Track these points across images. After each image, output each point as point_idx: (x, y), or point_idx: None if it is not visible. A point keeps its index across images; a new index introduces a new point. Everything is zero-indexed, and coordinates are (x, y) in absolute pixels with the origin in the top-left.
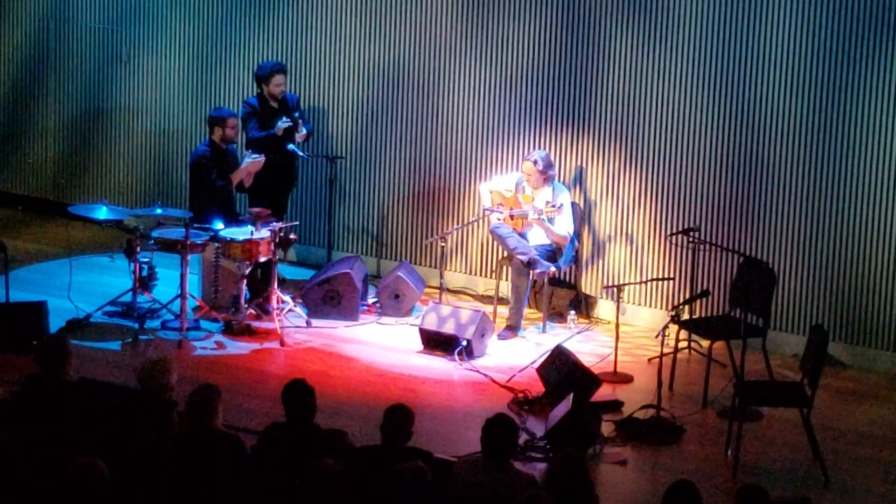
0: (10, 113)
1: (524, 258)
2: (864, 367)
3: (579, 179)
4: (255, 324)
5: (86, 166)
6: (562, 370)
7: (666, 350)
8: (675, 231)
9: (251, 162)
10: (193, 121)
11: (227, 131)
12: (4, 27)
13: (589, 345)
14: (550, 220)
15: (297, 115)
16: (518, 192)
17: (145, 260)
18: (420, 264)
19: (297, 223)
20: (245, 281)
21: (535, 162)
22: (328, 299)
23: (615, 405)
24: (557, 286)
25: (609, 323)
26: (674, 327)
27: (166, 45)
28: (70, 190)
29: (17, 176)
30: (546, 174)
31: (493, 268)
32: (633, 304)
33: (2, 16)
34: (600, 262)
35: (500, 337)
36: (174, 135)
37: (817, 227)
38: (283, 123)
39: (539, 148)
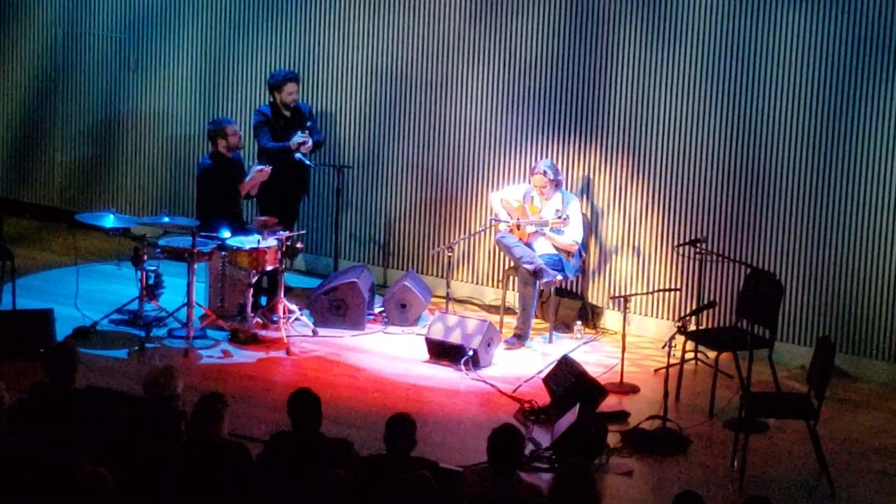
0: (20, 123)
1: (531, 267)
2: (871, 379)
3: (586, 190)
4: (262, 332)
5: (94, 174)
6: (568, 380)
7: (672, 361)
8: (682, 242)
9: (258, 172)
10: (203, 129)
11: (230, 139)
12: (13, 37)
13: (595, 355)
14: (558, 231)
15: (309, 124)
16: (526, 203)
17: (152, 268)
18: (426, 274)
19: (304, 232)
20: (251, 290)
21: (545, 172)
22: (334, 308)
23: (621, 416)
24: (564, 296)
25: (616, 333)
26: (680, 338)
27: (175, 53)
28: (78, 198)
29: (24, 185)
30: (556, 181)
31: (500, 277)
32: (640, 314)
33: (11, 25)
34: (607, 272)
35: (507, 343)
36: (184, 143)
37: (824, 239)
38: (299, 138)
39: (545, 158)
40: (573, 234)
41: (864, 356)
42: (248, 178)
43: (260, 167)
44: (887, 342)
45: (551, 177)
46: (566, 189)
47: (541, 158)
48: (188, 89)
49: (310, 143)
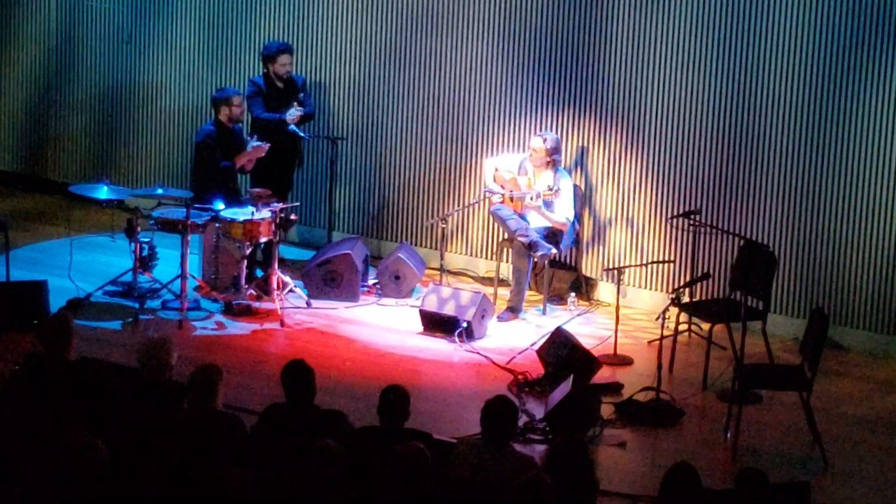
0: (15, 96)
1: (525, 240)
2: (864, 351)
3: (581, 161)
4: (255, 304)
5: (89, 146)
6: (562, 352)
7: (666, 333)
8: (676, 214)
9: (255, 148)
10: (197, 101)
11: (234, 109)
12: (9, 10)
13: (589, 327)
14: (548, 205)
15: (301, 95)
16: (520, 174)
17: (146, 240)
18: (421, 246)
19: (298, 204)
20: (245, 262)
21: (545, 140)
22: (328, 280)
23: (615, 387)
24: (558, 268)
25: (609, 305)
26: (674, 310)
27: (169, 25)
28: (72, 170)
29: (18, 156)
30: (551, 157)
31: (494, 249)
32: (634, 286)
33: None
34: (601, 244)
35: (501, 319)
36: (179, 115)
37: (818, 210)
38: (296, 112)
39: (548, 131)
40: (564, 212)
41: (854, 327)
42: (245, 151)
43: (258, 143)
44: (874, 312)
45: (549, 146)
46: (562, 168)
47: (543, 129)
48: (183, 61)
49: (298, 113)
